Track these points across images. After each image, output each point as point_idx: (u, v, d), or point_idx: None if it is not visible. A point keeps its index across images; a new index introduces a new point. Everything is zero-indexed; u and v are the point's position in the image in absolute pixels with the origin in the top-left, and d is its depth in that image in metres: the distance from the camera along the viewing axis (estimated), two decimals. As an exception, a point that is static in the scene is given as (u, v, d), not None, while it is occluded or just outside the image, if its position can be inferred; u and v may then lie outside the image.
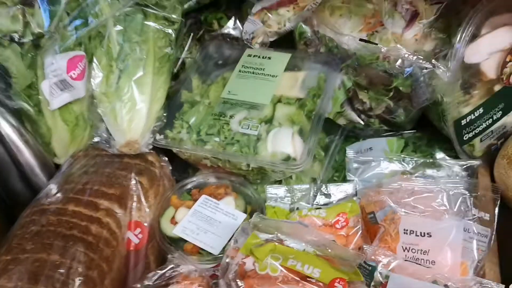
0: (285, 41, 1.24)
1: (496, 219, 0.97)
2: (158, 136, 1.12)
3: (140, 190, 1.05)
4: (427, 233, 0.93)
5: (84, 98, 1.12)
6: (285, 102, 1.13)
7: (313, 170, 1.14)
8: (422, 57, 1.04)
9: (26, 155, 1.11)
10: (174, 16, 1.13)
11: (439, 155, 1.16)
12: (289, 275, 0.81)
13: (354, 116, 1.19)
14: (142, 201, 1.04)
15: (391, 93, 1.11)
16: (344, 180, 1.14)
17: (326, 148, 1.19)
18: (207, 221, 1.01)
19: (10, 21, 1.06)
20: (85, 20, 1.10)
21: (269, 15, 1.20)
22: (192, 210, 1.03)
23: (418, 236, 0.93)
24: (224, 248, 0.96)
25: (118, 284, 0.97)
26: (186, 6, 1.23)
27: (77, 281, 0.87)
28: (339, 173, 1.18)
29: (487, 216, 0.97)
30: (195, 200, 1.05)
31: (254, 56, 1.22)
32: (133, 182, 1.05)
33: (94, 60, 1.09)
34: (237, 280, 0.82)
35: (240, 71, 1.19)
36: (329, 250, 0.86)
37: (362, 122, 1.20)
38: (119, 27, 1.09)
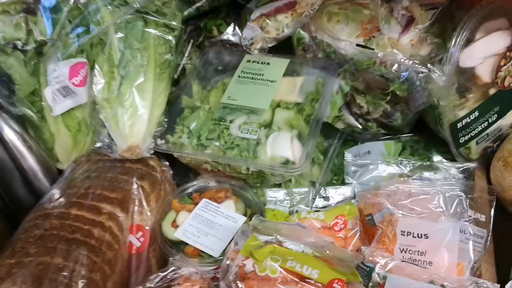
0: (283, 47, 1.25)
1: (492, 220, 0.98)
2: (159, 141, 1.13)
3: (141, 194, 1.05)
4: (424, 235, 0.93)
5: (86, 104, 1.13)
6: (284, 107, 1.14)
7: (312, 174, 1.15)
8: (418, 62, 1.05)
9: (29, 160, 1.11)
10: (174, 23, 1.14)
11: (436, 158, 1.16)
12: (288, 276, 0.82)
13: (352, 120, 1.20)
14: (144, 205, 1.05)
15: (388, 97, 1.12)
16: (343, 183, 1.14)
17: (325, 152, 1.20)
18: (207, 224, 1.02)
19: (13, 29, 1.06)
20: (87, 28, 1.11)
21: (268, 21, 1.21)
22: (193, 214, 1.03)
23: (415, 237, 0.94)
24: (224, 250, 0.97)
25: (120, 286, 0.97)
26: (186, 13, 1.25)
27: (80, 284, 0.87)
28: (338, 177, 1.19)
29: (483, 218, 0.98)
30: (196, 204, 1.06)
31: (253, 61, 1.23)
32: (135, 186, 1.06)
33: (96, 66, 1.09)
34: (238, 282, 0.82)
35: (239, 76, 1.20)
36: (327, 252, 0.87)
37: (360, 126, 1.20)
38: (120, 34, 1.10)
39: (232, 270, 0.85)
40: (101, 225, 0.97)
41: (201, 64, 1.29)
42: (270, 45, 1.23)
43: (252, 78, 1.19)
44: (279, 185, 1.14)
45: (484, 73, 1.04)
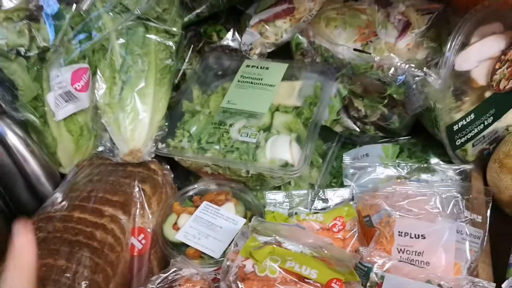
0: (282, 52, 1.26)
1: (488, 221, 0.99)
2: (160, 145, 1.13)
3: (143, 197, 1.06)
4: (421, 235, 0.94)
5: (88, 109, 1.14)
6: (282, 111, 1.14)
7: (311, 176, 1.16)
8: (414, 66, 1.06)
9: (32, 165, 1.12)
10: (174, 29, 1.15)
11: (434, 160, 1.17)
12: (288, 276, 0.82)
13: (350, 123, 1.21)
14: (145, 207, 1.06)
15: (386, 101, 1.13)
16: (341, 185, 1.15)
17: (324, 155, 1.21)
18: (208, 226, 1.02)
19: (16, 36, 1.07)
20: (88, 34, 1.12)
21: (267, 27, 1.22)
22: (194, 216, 1.04)
23: (412, 238, 0.94)
24: (224, 252, 0.97)
25: (122, 288, 0.99)
26: (186, 19, 1.26)
27: (83, 285, 0.88)
28: (337, 179, 1.19)
29: (479, 218, 0.98)
30: (197, 207, 1.06)
31: (252, 66, 1.24)
32: (137, 189, 1.07)
33: (98, 72, 1.10)
34: (238, 282, 0.83)
35: (239, 81, 1.21)
36: (326, 252, 0.87)
37: (358, 129, 1.21)
38: (121, 40, 1.11)
39: (232, 271, 0.85)
40: (104, 228, 0.98)
41: (201, 69, 1.30)
42: (269, 50, 1.24)
43: (252, 83, 1.20)
44: (278, 188, 1.15)
45: (480, 76, 1.05)
